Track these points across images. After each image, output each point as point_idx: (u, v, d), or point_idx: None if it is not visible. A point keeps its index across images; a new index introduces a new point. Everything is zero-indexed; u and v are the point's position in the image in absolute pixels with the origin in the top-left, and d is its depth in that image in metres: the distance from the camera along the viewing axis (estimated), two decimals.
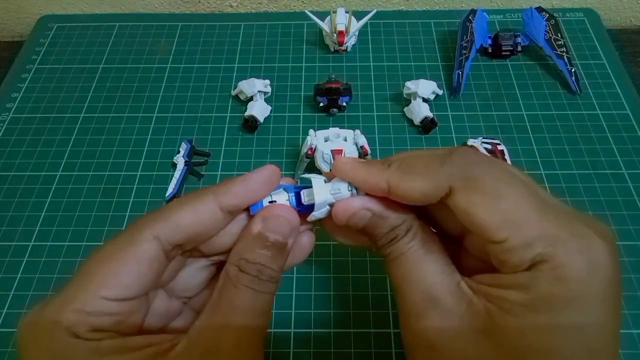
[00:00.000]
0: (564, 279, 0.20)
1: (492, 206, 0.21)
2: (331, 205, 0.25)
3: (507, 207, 0.21)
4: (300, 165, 0.43)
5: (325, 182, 0.25)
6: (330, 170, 0.25)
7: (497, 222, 0.21)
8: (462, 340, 0.21)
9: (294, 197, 0.25)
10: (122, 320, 0.22)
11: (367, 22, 0.53)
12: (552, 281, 0.20)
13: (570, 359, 0.20)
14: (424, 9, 0.61)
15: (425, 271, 0.23)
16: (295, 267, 0.37)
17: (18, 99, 0.50)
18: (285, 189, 0.25)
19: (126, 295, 0.22)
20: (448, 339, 0.22)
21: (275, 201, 0.25)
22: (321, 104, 0.47)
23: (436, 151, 0.24)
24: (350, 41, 0.53)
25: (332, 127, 0.43)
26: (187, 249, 0.24)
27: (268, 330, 0.34)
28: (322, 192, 0.25)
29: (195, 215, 0.23)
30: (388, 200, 0.24)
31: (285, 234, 0.24)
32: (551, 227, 0.21)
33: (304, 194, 0.25)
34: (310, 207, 0.25)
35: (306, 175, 0.26)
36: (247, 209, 0.25)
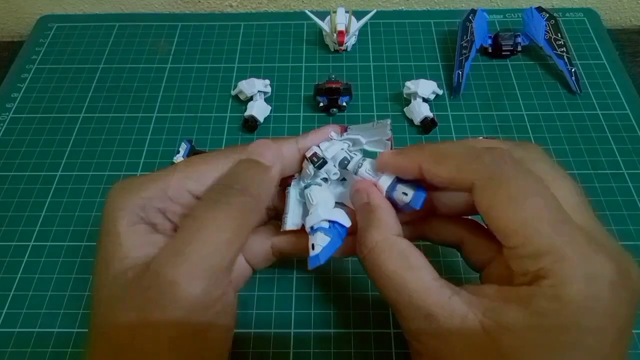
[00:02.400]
0: (563, 300, 0.20)
1: (511, 211, 0.21)
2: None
3: (525, 215, 0.21)
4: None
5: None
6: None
7: (513, 228, 0.21)
8: (459, 356, 0.21)
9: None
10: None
11: (367, 22, 0.53)
12: (550, 299, 0.20)
13: None
14: (424, 9, 0.61)
15: (412, 284, 0.23)
16: (295, 267, 0.37)
17: (18, 99, 0.50)
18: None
19: (200, 194, 0.25)
20: (446, 353, 0.22)
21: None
22: (321, 104, 0.47)
23: (471, 144, 0.25)
24: (350, 41, 0.53)
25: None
26: None
27: (268, 330, 0.35)
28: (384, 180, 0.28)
29: (289, 149, 0.28)
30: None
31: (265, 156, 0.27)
32: (562, 244, 0.20)
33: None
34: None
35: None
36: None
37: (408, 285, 0.23)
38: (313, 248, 0.26)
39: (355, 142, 0.30)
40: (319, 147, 0.29)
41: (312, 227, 0.27)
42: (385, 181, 0.27)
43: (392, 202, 0.27)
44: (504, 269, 0.23)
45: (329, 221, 0.27)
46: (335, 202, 0.29)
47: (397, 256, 0.24)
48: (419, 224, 0.29)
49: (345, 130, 0.30)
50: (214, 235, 0.23)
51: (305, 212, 0.29)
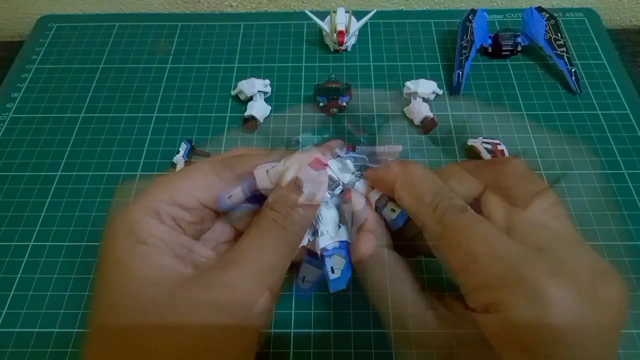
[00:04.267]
0: (512, 323, 0.20)
1: (454, 251, 0.23)
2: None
3: (465, 252, 0.22)
4: None
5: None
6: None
7: (456, 267, 0.23)
8: None
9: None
10: (192, 225, 0.26)
11: (367, 22, 0.53)
12: (501, 324, 0.21)
13: None
14: (424, 9, 0.61)
15: (392, 295, 0.25)
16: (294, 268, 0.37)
17: (18, 99, 0.50)
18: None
19: (208, 203, 0.26)
20: None
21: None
22: (321, 104, 0.47)
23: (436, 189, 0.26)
24: (350, 41, 0.53)
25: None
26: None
27: (268, 330, 0.35)
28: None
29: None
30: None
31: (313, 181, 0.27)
32: (501, 273, 0.21)
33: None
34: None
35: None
36: None
37: (388, 295, 0.25)
38: (333, 271, 0.27)
39: (357, 159, 0.31)
40: (330, 168, 0.29)
41: (324, 249, 0.28)
42: (373, 196, 0.28)
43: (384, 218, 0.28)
44: None
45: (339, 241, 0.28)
46: None
47: (380, 267, 0.26)
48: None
49: (354, 150, 0.30)
50: (278, 250, 0.25)
51: (311, 228, 0.30)
